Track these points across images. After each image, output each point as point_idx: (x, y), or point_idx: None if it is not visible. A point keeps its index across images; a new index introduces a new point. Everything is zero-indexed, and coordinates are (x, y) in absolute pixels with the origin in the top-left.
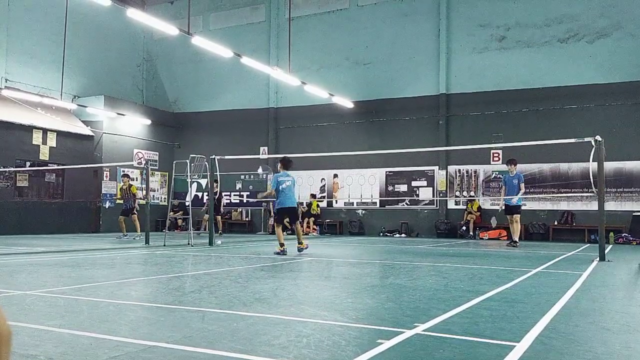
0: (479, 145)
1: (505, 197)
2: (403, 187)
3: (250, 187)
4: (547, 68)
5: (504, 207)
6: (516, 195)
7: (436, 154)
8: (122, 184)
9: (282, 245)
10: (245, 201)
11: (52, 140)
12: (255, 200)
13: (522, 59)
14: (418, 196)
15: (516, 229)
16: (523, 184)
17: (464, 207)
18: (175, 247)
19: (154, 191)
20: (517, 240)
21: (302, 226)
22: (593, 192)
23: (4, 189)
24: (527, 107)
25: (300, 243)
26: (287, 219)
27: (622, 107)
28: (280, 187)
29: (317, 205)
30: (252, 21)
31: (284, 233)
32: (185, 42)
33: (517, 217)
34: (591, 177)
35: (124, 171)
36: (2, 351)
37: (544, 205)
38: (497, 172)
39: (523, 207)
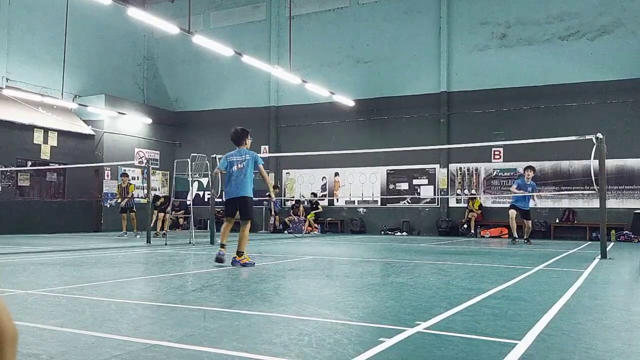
0: (480, 143)
1: (517, 201)
2: (404, 186)
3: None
4: (548, 65)
5: (511, 207)
6: (529, 201)
7: (437, 152)
8: (120, 182)
9: (222, 246)
10: None
11: (53, 140)
12: (257, 199)
13: (523, 57)
14: (419, 194)
15: (529, 229)
16: (535, 194)
17: (465, 205)
18: (177, 246)
19: (155, 190)
20: (517, 236)
21: (303, 225)
22: (594, 189)
23: (6, 188)
24: (528, 104)
25: (239, 254)
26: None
27: (624, 104)
28: (231, 169)
29: (316, 204)
30: (253, 20)
31: (285, 232)
32: (186, 41)
33: (529, 221)
34: (592, 175)
35: (124, 170)
36: (8, 351)
37: (545, 203)
38: (498, 170)
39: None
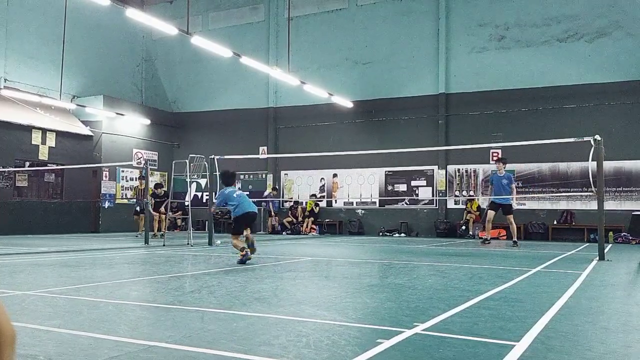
0: (478, 145)
1: (495, 197)
2: (402, 187)
3: (250, 186)
4: (546, 67)
5: (489, 206)
6: (509, 196)
7: (435, 153)
8: (138, 184)
9: (243, 249)
10: None
11: (51, 140)
12: (257, 199)
13: (521, 59)
14: (417, 196)
15: (513, 229)
16: (514, 184)
17: (464, 206)
18: (175, 247)
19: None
20: (516, 240)
21: (302, 227)
22: (592, 191)
23: (3, 189)
24: (527, 106)
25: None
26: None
27: (622, 106)
28: (234, 195)
29: (316, 205)
30: (252, 21)
31: (283, 233)
32: (185, 42)
33: (511, 217)
34: (590, 177)
35: (140, 173)
36: (7, 352)
37: (543, 205)
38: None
39: (520, 207)
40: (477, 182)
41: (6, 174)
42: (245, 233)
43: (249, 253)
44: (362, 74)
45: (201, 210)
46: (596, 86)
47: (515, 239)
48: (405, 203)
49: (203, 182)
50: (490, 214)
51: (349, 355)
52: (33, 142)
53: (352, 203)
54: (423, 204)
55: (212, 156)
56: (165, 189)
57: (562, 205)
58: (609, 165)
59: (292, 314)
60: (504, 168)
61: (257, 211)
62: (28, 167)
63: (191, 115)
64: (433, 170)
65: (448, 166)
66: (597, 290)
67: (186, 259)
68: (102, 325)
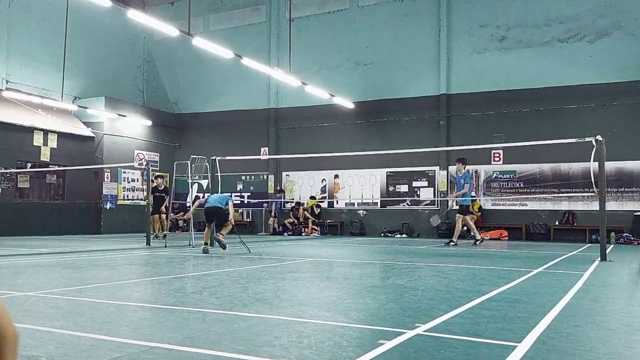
0: (479, 146)
1: (462, 198)
2: (404, 188)
3: (251, 188)
4: (548, 68)
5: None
6: (458, 193)
7: (437, 154)
8: (156, 184)
9: (206, 244)
10: (246, 202)
11: (53, 142)
12: (257, 201)
13: (522, 59)
14: (419, 196)
15: (457, 228)
16: (468, 184)
17: None
18: (176, 248)
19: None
20: (455, 240)
21: (304, 228)
22: (594, 192)
23: (5, 190)
24: (528, 107)
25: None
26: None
27: (623, 106)
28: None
29: (317, 206)
30: (253, 22)
31: (285, 233)
32: (186, 43)
33: (459, 217)
34: (592, 177)
35: (158, 174)
36: (9, 353)
37: (544, 206)
38: (497, 172)
39: (522, 208)
40: (479, 183)
41: (8, 175)
42: (222, 232)
43: (207, 248)
44: (363, 75)
45: (202, 211)
46: (597, 87)
47: (454, 239)
48: (407, 204)
49: (205, 183)
50: (467, 217)
51: (350, 356)
52: (35, 144)
53: (353, 204)
54: (424, 205)
55: (214, 157)
56: (166, 184)
57: (564, 205)
58: (610, 165)
59: (294, 314)
60: (464, 168)
61: (215, 207)
62: (30, 168)
63: (193, 116)
64: (434, 171)
65: (449, 167)
66: (599, 291)
67: (187, 260)
68: (104, 326)
